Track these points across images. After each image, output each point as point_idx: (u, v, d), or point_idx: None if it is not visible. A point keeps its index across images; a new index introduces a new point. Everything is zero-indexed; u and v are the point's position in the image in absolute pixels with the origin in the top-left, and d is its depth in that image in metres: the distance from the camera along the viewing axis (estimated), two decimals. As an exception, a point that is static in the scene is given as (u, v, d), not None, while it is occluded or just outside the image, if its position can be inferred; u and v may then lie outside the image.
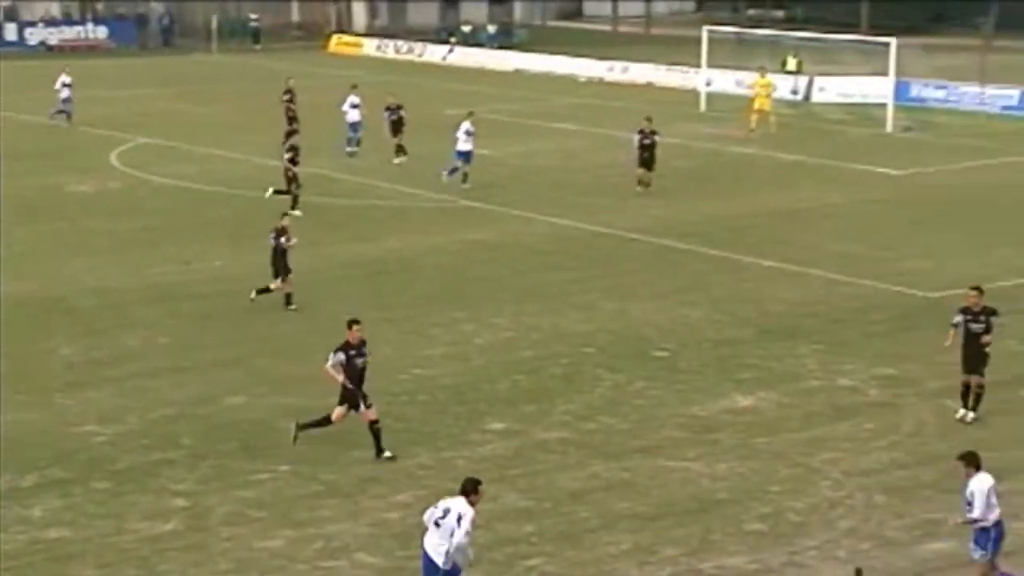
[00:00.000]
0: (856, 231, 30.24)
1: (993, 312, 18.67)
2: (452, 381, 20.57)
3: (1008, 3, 68.06)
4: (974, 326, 18.55)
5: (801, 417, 18.97)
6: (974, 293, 18.74)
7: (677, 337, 22.62)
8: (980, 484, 13.53)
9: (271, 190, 32.52)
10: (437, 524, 12.91)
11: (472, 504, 12.92)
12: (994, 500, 13.57)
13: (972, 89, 48.29)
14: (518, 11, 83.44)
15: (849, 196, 34.20)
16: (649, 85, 57.44)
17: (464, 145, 35.19)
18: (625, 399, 19.74)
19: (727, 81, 51.94)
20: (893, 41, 45.50)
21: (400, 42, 72.36)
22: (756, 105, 43.99)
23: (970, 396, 18.76)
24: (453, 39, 73.22)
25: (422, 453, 17.81)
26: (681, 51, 60.53)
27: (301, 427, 17.80)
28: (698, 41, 50.90)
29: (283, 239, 24.12)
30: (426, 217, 32.14)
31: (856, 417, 18.91)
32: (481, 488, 13.07)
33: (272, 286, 24.24)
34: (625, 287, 25.66)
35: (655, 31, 77.29)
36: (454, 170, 35.26)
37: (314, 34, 76.43)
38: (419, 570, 13.14)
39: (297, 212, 30.43)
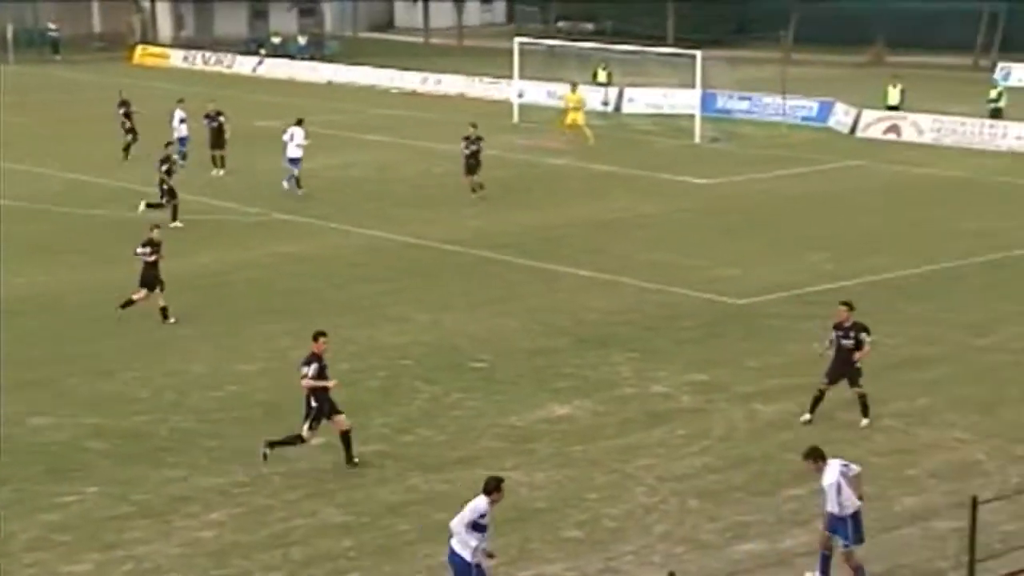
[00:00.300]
0: (667, 240, 30.85)
1: (864, 329, 18.84)
2: (268, 396, 20.30)
3: (806, 17, 70.49)
4: (844, 342, 18.82)
5: (616, 424, 19.24)
6: (844, 308, 18.93)
7: (493, 347, 22.73)
8: (828, 479, 14.00)
9: (143, 204, 32.07)
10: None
11: (493, 502, 13.33)
12: (847, 491, 13.96)
13: (774, 100, 49.79)
14: (329, 22, 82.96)
15: (660, 206, 34.89)
16: (462, 97, 57.74)
17: (294, 152, 35.48)
18: (442, 411, 19.75)
19: (539, 93, 52.52)
20: (699, 54, 46.61)
21: (208, 53, 71.24)
22: (568, 120, 44.43)
23: (819, 404, 19.10)
24: (263, 50, 72.42)
25: (237, 471, 17.52)
26: (493, 63, 61.04)
27: (271, 445, 17.48)
28: (510, 53, 51.37)
29: (145, 250, 23.79)
30: (240, 231, 31.66)
31: (669, 423, 19.26)
32: (503, 486, 13.40)
33: (136, 296, 23.90)
34: (441, 299, 25.70)
35: (467, 43, 77.75)
36: (293, 178, 35.56)
37: (117, 45, 74.66)
38: None
39: (179, 223, 30.85)
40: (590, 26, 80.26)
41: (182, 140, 38.98)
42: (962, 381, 20.70)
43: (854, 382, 19.03)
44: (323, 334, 17.91)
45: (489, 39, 79.46)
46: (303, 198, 35.28)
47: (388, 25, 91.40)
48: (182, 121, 39.18)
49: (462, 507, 13.37)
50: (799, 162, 41.14)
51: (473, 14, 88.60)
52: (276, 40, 74.51)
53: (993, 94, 46.54)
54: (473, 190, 35.21)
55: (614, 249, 29.92)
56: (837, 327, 18.99)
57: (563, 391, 20.57)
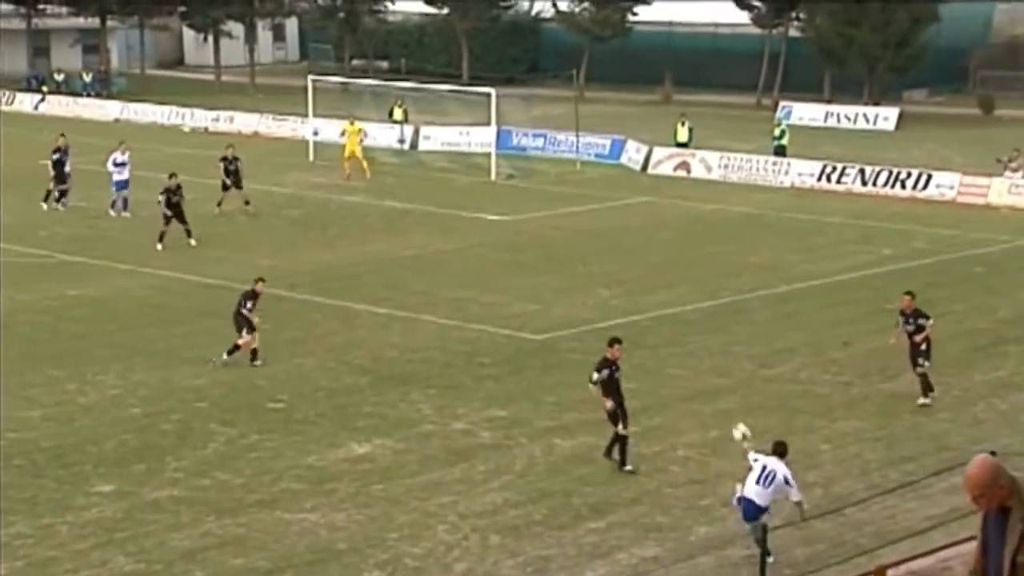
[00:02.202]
0: (465, 276, 31.02)
1: (924, 315, 21.36)
2: (54, 443, 19.63)
3: (597, 57, 72.07)
4: (907, 327, 21.35)
5: (417, 462, 19.20)
6: (907, 297, 21.57)
7: (292, 387, 22.47)
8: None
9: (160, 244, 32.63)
10: (760, 482, 15.60)
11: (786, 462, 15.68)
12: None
13: (568, 138, 50.67)
14: (115, 59, 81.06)
15: (457, 242, 35.08)
16: (256, 135, 57.13)
17: (120, 175, 36.66)
18: (240, 453, 19.41)
19: (334, 130, 52.34)
20: (493, 91, 47.17)
21: (-15, 90, 68.94)
22: (347, 152, 44.38)
23: (931, 388, 21.45)
24: (45, 87, 70.38)
25: (19, 521, 16.86)
26: (287, 101, 60.61)
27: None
28: (304, 91, 51.13)
29: (249, 303, 23.46)
30: (20, 273, 30.61)
31: (470, 459, 19.31)
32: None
33: (240, 342, 23.37)
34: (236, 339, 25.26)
35: (260, 80, 76.99)
36: (121, 202, 36.74)
37: None
38: None
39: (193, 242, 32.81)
40: (385, 64, 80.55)
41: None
42: (752, 411, 21.27)
43: (916, 363, 21.33)
44: None
45: (283, 77, 78.90)
46: (89, 239, 34.35)
47: (178, 62, 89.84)
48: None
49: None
50: (592, 198, 41.90)
51: (266, 52, 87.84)
52: (59, 77, 72.54)
53: (777, 132, 48.28)
54: (246, 202, 36.81)
55: (412, 286, 29.95)
56: (902, 313, 21.53)
57: (363, 430, 20.44)
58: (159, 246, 33.05)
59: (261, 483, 18.30)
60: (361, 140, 44.92)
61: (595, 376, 18.86)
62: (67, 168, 38.41)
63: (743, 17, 70.53)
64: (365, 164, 43.99)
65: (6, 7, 76.10)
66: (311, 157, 48.97)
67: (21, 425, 20.41)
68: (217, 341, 25.12)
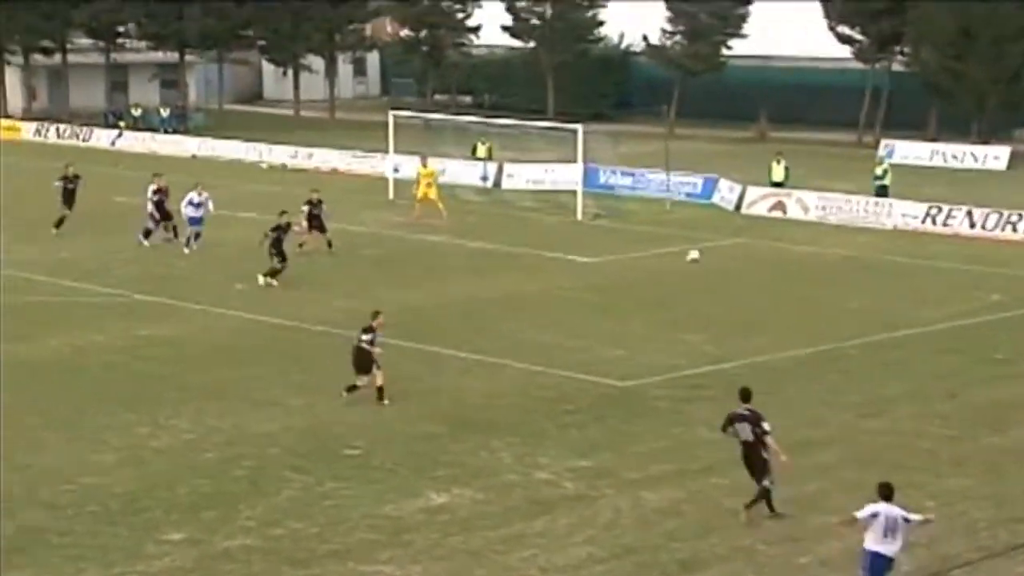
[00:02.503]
0: (549, 320, 31.03)
1: None
2: (126, 489, 19.88)
3: (689, 92, 72.01)
4: None
5: (497, 513, 19.17)
6: None
7: (369, 433, 22.58)
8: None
9: (262, 278, 33.81)
10: (886, 534, 15.66)
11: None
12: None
13: (658, 176, 50.64)
14: (193, 94, 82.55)
15: (542, 284, 35.12)
16: (335, 172, 57.75)
17: (195, 213, 37.79)
18: (314, 501, 19.52)
19: (415, 167, 52.76)
20: (580, 128, 47.31)
21: (63, 126, 70.37)
22: (420, 194, 44.34)
23: None
24: (122, 123, 71.80)
25: (89, 568, 17.08)
26: (367, 137, 61.23)
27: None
28: (384, 126, 51.60)
29: (367, 337, 23.94)
30: (94, 313, 31.15)
31: (553, 511, 19.22)
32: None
33: (359, 383, 24.05)
34: (313, 382, 25.49)
35: (340, 115, 77.98)
36: (193, 236, 37.74)
37: (-40, 117, 73.55)
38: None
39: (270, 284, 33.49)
40: (468, 99, 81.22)
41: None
42: (852, 465, 21.00)
43: None
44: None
45: (363, 112, 79.78)
46: (165, 278, 34.91)
47: (256, 97, 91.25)
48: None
49: None
50: (683, 240, 41.74)
51: (346, 86, 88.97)
52: (136, 112, 73.95)
53: (879, 171, 47.88)
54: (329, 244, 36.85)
55: (495, 329, 30.01)
56: None
57: (442, 479, 20.47)
58: (274, 282, 33.81)
59: (335, 533, 18.35)
60: (432, 184, 44.39)
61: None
62: (167, 208, 39.60)
63: (844, 51, 70.05)
64: (441, 205, 44.09)
65: (84, 41, 77.90)
66: (391, 195, 49.30)
67: (94, 470, 20.69)
68: (291, 384, 25.35)
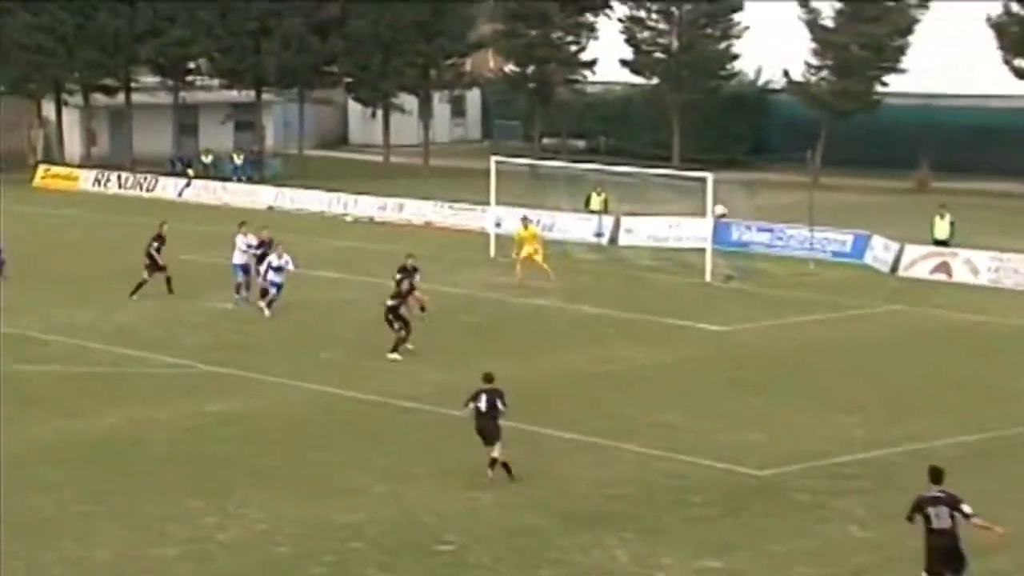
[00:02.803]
0: (673, 397, 30.92)
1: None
2: (189, 587, 20.08)
3: (838, 135, 71.57)
4: None
5: (612, 621, 19.08)
6: None
7: (464, 527, 22.61)
8: None
9: (391, 355, 34.06)
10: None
11: None
12: None
13: (800, 232, 50.36)
14: (270, 138, 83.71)
15: (664, 356, 35.01)
16: (429, 225, 58.21)
17: (276, 278, 38.81)
18: (401, 604, 19.57)
19: (517, 225, 52.99)
20: (710, 176, 47.26)
21: (125, 174, 71.87)
22: (523, 253, 44.40)
23: None
24: (191, 171, 73.10)
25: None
26: (466, 186, 61.68)
27: None
28: (485, 174, 51.95)
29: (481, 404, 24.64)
30: (156, 386, 31.63)
31: (676, 619, 19.12)
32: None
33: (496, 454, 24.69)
34: (400, 467, 25.60)
35: (434, 162, 78.64)
36: (274, 291, 38.88)
37: (14, 165, 75.20)
38: None
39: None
40: (581, 143, 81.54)
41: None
42: (1031, 571, 20.63)
43: None
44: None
45: (461, 158, 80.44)
46: (235, 347, 35.38)
47: (341, 141, 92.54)
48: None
49: None
50: (829, 306, 41.43)
51: (442, 129, 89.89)
52: (207, 159, 75.21)
53: (1061, 227, 47.28)
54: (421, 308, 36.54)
55: (609, 408, 29.94)
56: None
57: (548, 580, 20.38)
58: (399, 356, 34.09)
59: (426, 640, 18.39)
60: (537, 249, 44.39)
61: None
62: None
63: (1021, 87, 69.19)
64: (547, 265, 44.18)
65: (150, 80, 79.31)
66: (492, 252, 49.54)
67: (155, 566, 20.92)
68: (376, 469, 25.48)
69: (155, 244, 41.17)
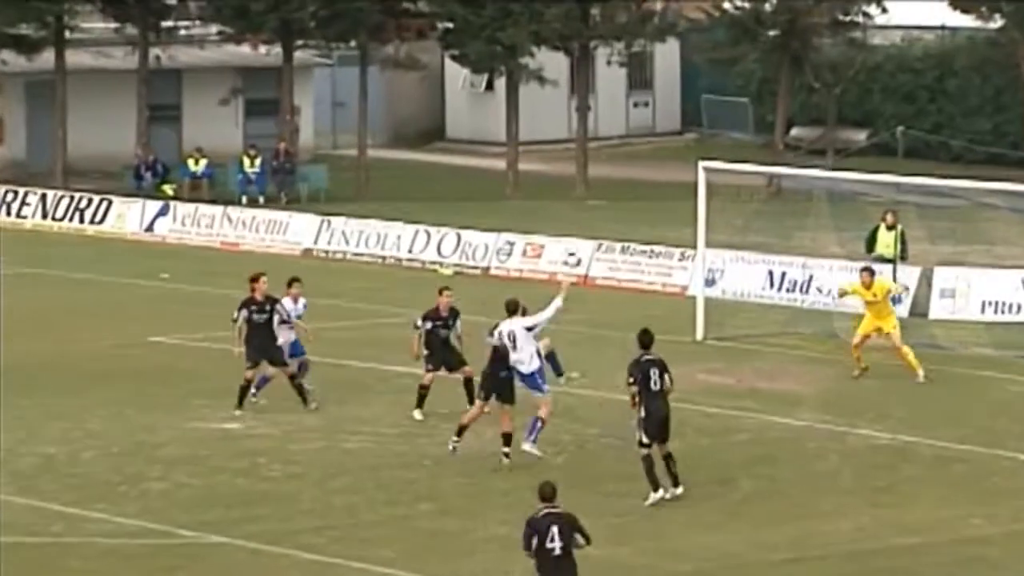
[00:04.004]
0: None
1: None
2: None
3: None
4: None
5: None
6: None
7: None
8: None
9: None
10: None
11: None
12: None
13: None
14: (308, 128, 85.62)
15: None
16: (585, 282, 57.84)
17: (285, 335, 41.56)
18: None
19: (747, 275, 52.37)
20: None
21: (53, 193, 73.40)
22: (863, 328, 45.28)
23: None
24: (168, 186, 75.44)
25: None
26: (653, 210, 61.22)
27: None
28: (689, 191, 51.57)
29: None
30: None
31: None
32: None
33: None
34: None
35: (596, 171, 79.38)
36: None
37: None
38: None
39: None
40: (862, 136, 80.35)
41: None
42: None
43: None
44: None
45: (644, 163, 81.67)
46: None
47: (434, 135, 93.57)
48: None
49: None
50: None
51: (612, 113, 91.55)
52: (198, 166, 76.63)
53: None
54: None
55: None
56: None
57: None
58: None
59: None
60: (891, 314, 45.34)
61: None
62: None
63: None
64: (912, 357, 44.55)
65: (99, 26, 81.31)
66: (699, 330, 49.28)
67: None
68: None
69: (248, 311, 40.91)
